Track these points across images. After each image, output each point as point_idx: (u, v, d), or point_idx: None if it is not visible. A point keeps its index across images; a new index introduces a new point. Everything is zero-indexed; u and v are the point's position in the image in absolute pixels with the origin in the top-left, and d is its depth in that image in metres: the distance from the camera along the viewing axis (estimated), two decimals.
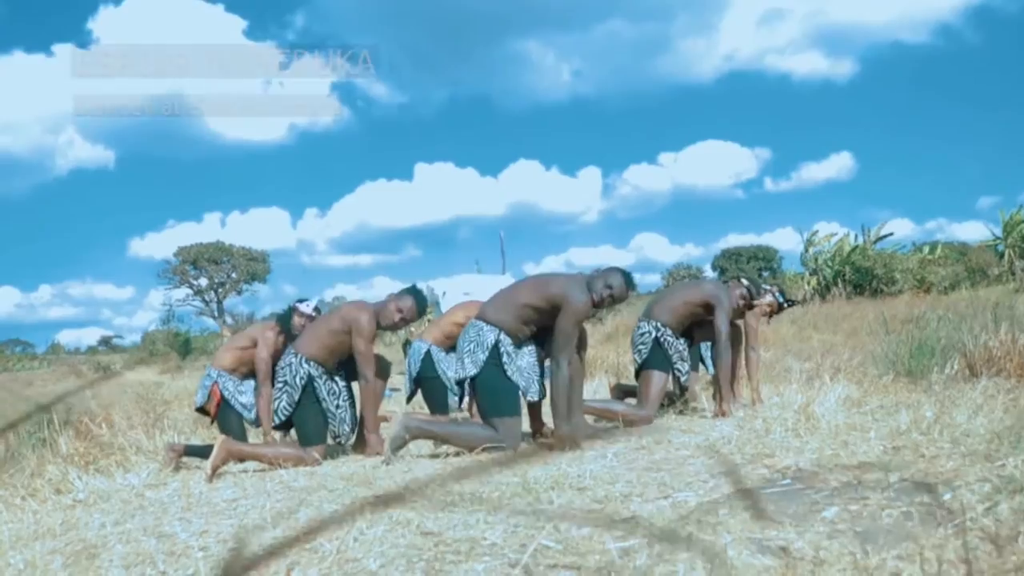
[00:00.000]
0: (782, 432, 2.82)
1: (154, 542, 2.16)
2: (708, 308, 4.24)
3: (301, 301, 4.54)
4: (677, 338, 4.27)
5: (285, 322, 4.47)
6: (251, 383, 4.52)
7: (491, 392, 3.40)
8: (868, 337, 9.63)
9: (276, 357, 4.24)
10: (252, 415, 4.54)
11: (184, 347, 32.24)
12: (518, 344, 3.47)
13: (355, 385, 4.03)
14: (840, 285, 21.94)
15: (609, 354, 9.69)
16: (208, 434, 6.24)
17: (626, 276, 3.59)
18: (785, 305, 4.71)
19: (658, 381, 4.16)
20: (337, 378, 3.85)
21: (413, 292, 4.04)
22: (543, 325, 3.44)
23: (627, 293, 3.57)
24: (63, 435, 5.36)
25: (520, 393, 3.44)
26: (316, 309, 4.54)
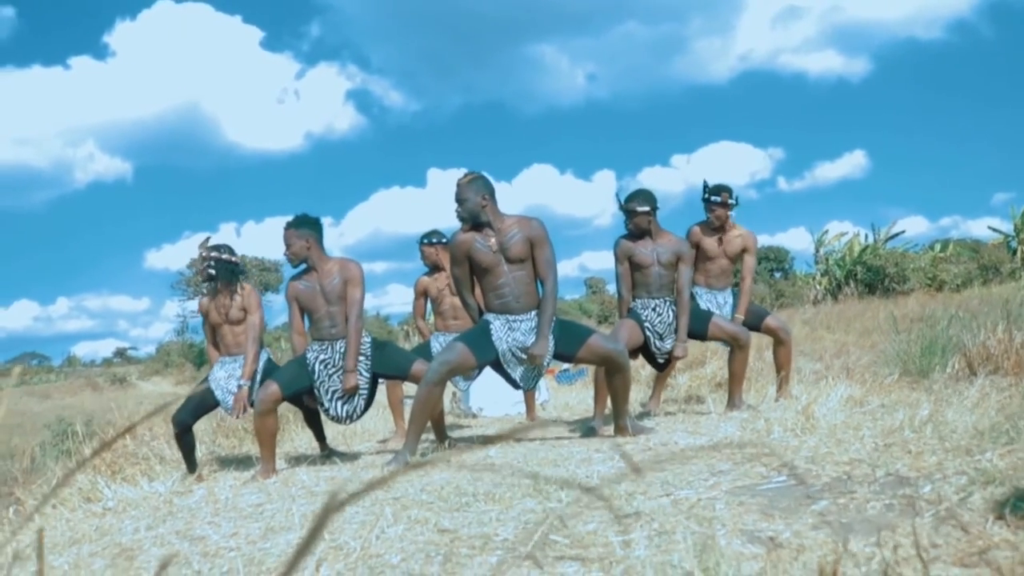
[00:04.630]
0: (782, 432, 2.93)
1: (187, 544, 2.30)
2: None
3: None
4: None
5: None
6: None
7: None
8: (880, 336, 9.67)
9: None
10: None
11: (199, 357, 32.54)
12: None
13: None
14: (852, 285, 21.95)
15: None
16: (228, 443, 6.40)
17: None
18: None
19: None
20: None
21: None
22: None
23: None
24: (88, 446, 5.53)
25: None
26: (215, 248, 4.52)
